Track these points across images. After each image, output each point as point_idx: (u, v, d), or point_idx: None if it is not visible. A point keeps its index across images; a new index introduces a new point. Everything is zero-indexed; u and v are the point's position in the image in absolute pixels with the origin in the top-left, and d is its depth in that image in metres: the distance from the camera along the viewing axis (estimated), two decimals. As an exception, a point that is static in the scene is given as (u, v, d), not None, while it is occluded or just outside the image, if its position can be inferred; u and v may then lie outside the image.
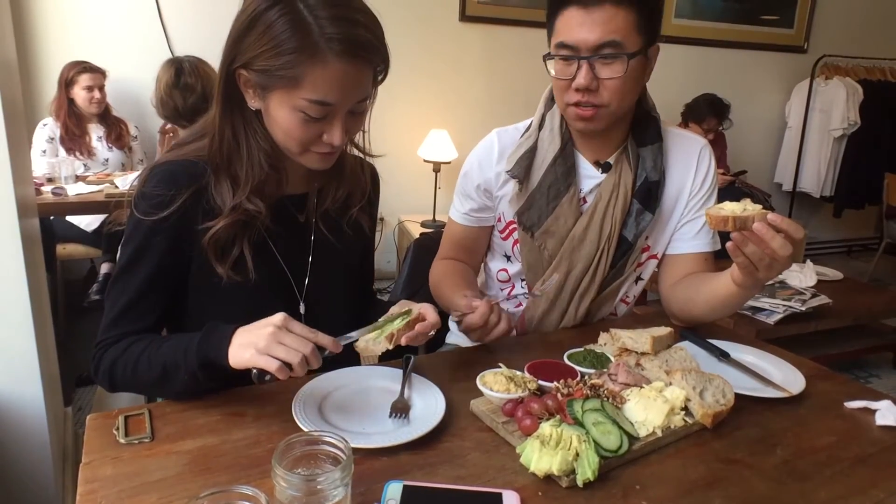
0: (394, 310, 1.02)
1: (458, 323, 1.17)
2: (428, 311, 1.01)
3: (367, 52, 0.91)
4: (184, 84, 2.45)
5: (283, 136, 0.96)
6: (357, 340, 0.94)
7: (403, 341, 0.96)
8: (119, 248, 1.00)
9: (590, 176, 1.31)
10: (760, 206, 0.97)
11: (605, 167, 1.30)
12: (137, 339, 0.96)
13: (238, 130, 0.98)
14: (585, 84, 1.14)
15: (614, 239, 1.28)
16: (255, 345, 0.82)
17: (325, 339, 0.85)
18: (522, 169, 1.28)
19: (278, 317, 0.85)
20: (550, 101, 1.33)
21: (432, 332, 1.01)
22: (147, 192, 0.97)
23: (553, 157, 1.28)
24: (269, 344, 0.82)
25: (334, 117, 0.94)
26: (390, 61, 0.96)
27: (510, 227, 1.37)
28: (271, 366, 0.81)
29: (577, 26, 1.13)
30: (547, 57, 1.21)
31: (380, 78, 0.97)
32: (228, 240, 0.98)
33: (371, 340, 0.95)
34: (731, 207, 0.98)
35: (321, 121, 0.93)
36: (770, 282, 2.61)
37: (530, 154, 1.29)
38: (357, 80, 0.92)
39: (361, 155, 1.13)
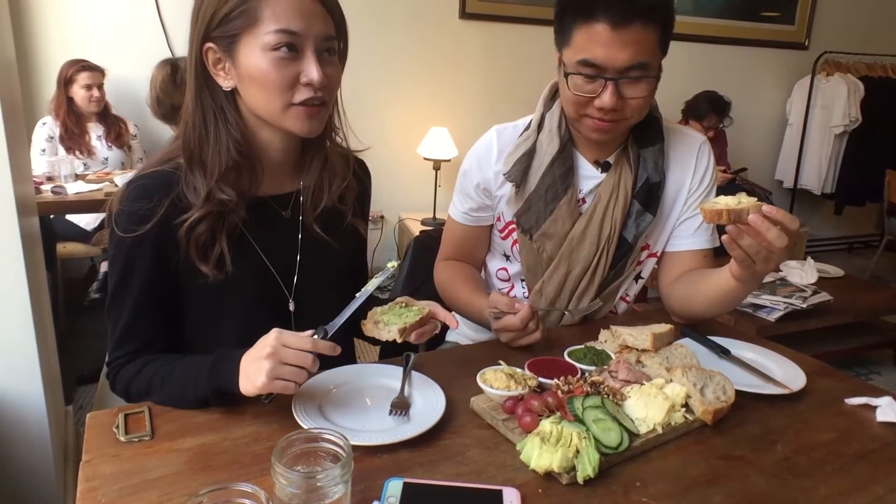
0: (400, 300, 1.03)
1: (495, 319, 1.16)
2: (437, 309, 1.01)
3: None
4: (181, 81, 2.45)
5: (262, 92, 0.95)
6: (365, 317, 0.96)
7: (413, 337, 0.97)
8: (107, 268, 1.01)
9: (589, 176, 1.29)
10: (755, 199, 0.96)
11: (605, 167, 1.29)
12: (150, 360, 0.97)
13: (208, 115, 0.98)
14: (611, 105, 1.12)
15: (614, 240, 1.27)
16: (263, 372, 0.82)
17: (323, 347, 0.86)
18: (520, 172, 1.27)
19: (272, 336, 0.84)
20: (549, 100, 1.31)
21: (437, 330, 1.01)
22: (125, 210, 0.96)
23: (551, 159, 1.26)
24: (273, 368, 0.82)
25: (304, 50, 0.93)
26: (361, 28, 0.97)
27: (509, 228, 1.36)
28: (288, 389, 0.83)
29: (605, 46, 1.09)
30: (566, 72, 1.15)
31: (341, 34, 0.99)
32: (208, 235, 0.98)
33: (381, 325, 0.96)
34: (725, 201, 0.97)
35: (294, 60, 0.93)
36: (768, 276, 2.62)
37: (528, 156, 1.27)
38: (313, 9, 0.93)
39: (353, 152, 1.13)
